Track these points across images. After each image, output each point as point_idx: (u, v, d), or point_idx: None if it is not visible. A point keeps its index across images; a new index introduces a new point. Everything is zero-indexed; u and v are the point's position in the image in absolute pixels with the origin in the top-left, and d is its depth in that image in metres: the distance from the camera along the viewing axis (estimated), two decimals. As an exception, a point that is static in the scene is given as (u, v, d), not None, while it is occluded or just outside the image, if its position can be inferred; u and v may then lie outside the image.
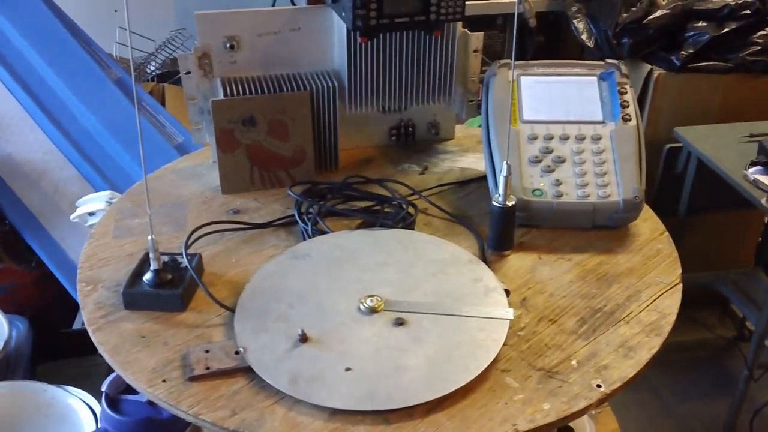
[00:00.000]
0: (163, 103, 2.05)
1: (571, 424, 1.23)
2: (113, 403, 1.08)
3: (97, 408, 1.34)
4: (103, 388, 1.09)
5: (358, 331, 0.86)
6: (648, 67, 1.98)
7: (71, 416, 1.37)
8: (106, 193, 1.31)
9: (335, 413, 0.77)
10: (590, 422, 1.29)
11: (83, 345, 0.88)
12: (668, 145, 1.97)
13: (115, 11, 2.21)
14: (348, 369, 0.82)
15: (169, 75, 2.24)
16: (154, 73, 2.29)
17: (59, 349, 1.78)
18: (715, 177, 1.75)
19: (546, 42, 2.34)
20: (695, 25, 1.96)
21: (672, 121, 1.96)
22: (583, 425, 1.27)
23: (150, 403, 0.83)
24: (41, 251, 1.71)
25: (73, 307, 1.74)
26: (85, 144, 1.77)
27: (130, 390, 0.84)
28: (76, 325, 1.78)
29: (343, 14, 1.11)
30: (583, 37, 2.08)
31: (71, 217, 1.29)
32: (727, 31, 1.93)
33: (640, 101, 2.01)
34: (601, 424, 1.30)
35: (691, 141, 1.85)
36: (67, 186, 1.75)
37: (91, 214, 1.31)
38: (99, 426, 1.11)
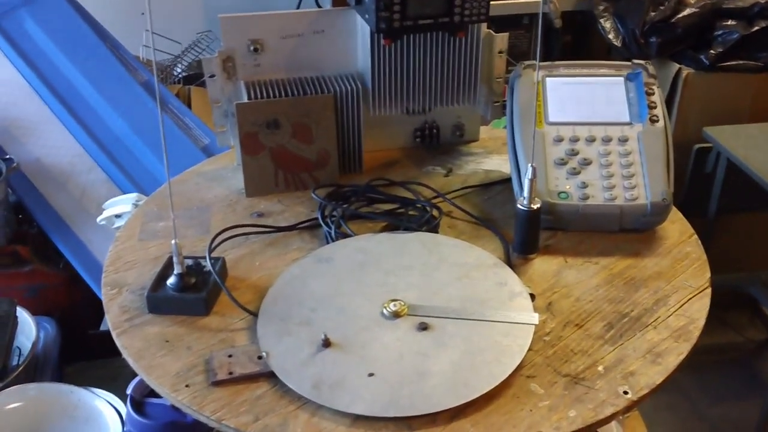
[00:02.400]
0: (189, 106, 2.06)
1: (598, 429, 1.21)
2: (138, 406, 1.09)
3: (123, 410, 1.35)
4: (129, 391, 1.09)
5: (381, 336, 0.86)
6: (676, 66, 1.95)
7: (97, 418, 1.38)
8: (132, 196, 1.32)
9: (358, 419, 0.77)
10: (618, 427, 1.27)
11: (111, 346, 0.89)
12: (697, 146, 1.94)
13: (142, 14, 2.22)
14: (371, 374, 0.81)
15: (196, 77, 2.25)
16: (180, 76, 2.31)
17: (87, 350, 1.80)
18: (744, 177, 1.72)
19: (573, 42, 2.32)
20: (724, 23, 1.93)
21: (701, 121, 1.93)
22: (610, 429, 1.26)
23: (174, 406, 0.83)
24: (68, 253, 1.73)
25: (101, 309, 1.75)
26: (112, 147, 1.79)
27: (156, 393, 0.84)
28: (104, 327, 1.79)
29: (367, 16, 1.11)
30: (611, 36, 2.06)
31: (98, 219, 1.30)
32: (756, 30, 1.90)
33: (669, 101, 1.98)
34: (629, 428, 1.28)
35: (721, 141, 1.82)
36: (94, 188, 1.77)
37: (117, 216, 1.32)
38: (124, 429, 1.12)
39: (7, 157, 1.74)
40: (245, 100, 1.14)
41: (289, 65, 1.19)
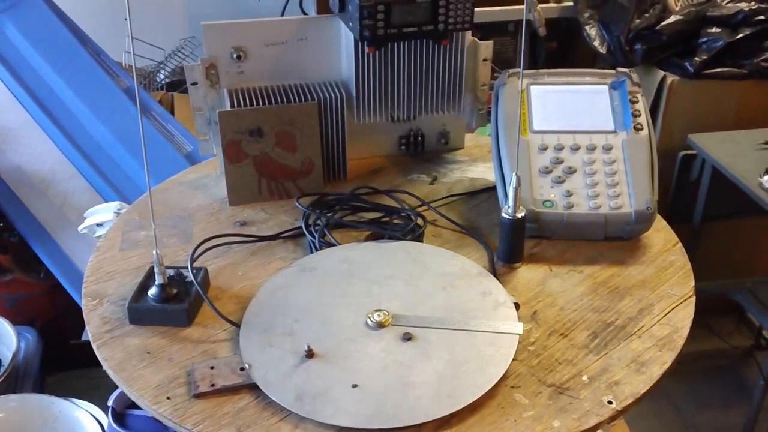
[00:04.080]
0: (172, 112, 2.05)
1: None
2: (120, 417, 1.07)
3: (105, 421, 1.33)
4: (110, 402, 1.08)
5: (365, 347, 0.85)
6: (661, 73, 1.96)
7: (78, 430, 1.37)
8: (114, 204, 1.30)
9: (342, 431, 0.76)
10: (603, 436, 1.26)
11: (92, 356, 0.88)
12: (682, 153, 1.95)
13: (125, 19, 2.21)
14: (355, 386, 0.80)
15: (179, 84, 2.23)
16: (163, 82, 2.29)
17: (69, 360, 1.78)
18: (730, 184, 1.73)
19: (558, 49, 2.32)
20: (709, 31, 1.94)
21: (686, 128, 1.94)
22: (596, 439, 1.25)
23: (156, 418, 0.82)
24: (50, 262, 1.71)
25: (83, 318, 1.74)
26: (94, 154, 1.77)
27: (137, 404, 0.83)
28: (86, 337, 1.77)
29: (351, 24, 1.10)
30: (596, 43, 2.06)
31: (79, 228, 1.28)
32: (741, 37, 1.91)
33: (654, 108, 1.98)
34: (614, 437, 1.28)
35: (706, 148, 1.83)
36: (75, 196, 1.75)
37: (99, 224, 1.30)
38: (106, 440, 1.11)
39: (-12, 164, 1.72)
40: (228, 107, 1.13)
41: (273, 73, 1.19)
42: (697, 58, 1.92)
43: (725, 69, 1.93)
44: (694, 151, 1.89)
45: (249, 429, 0.77)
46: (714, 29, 1.93)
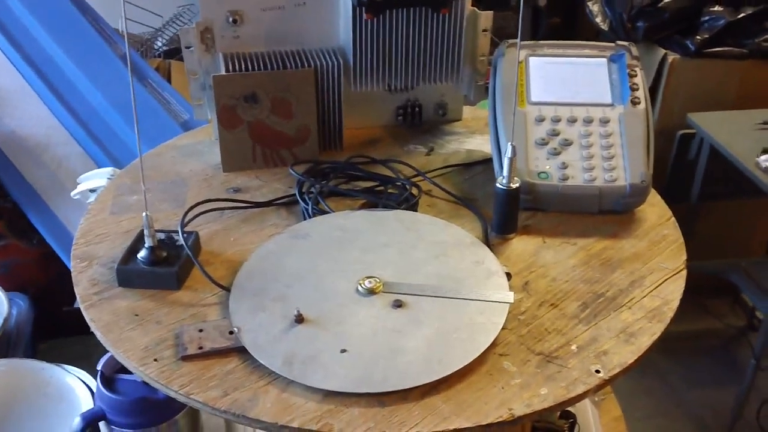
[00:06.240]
0: (169, 80, 2.03)
1: (573, 411, 1.21)
2: (109, 382, 1.07)
3: (95, 385, 1.33)
4: (99, 366, 1.07)
5: (355, 313, 0.85)
6: (662, 51, 1.95)
7: (69, 395, 1.37)
8: (107, 170, 1.30)
9: (329, 395, 0.76)
10: (593, 409, 1.27)
11: (84, 324, 0.87)
12: (681, 132, 1.94)
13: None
14: (344, 351, 0.80)
15: (176, 51, 2.22)
16: (161, 50, 2.27)
17: (61, 327, 1.78)
18: (727, 164, 1.72)
19: (561, 25, 2.31)
20: (711, 9, 1.92)
21: (686, 107, 1.93)
22: (585, 412, 1.25)
23: (145, 382, 0.82)
24: (43, 228, 1.71)
25: (76, 285, 1.74)
26: (89, 120, 1.76)
27: (126, 369, 0.82)
28: (78, 304, 1.78)
29: (348, -10, 1.09)
30: (598, 20, 2.05)
31: (72, 193, 1.28)
32: (743, 16, 1.90)
33: (654, 86, 1.97)
34: (604, 411, 1.28)
35: (704, 127, 1.82)
36: (70, 162, 1.74)
37: (92, 190, 1.30)
38: (94, 404, 1.10)
39: (-18, 129, 1.71)
40: (223, 72, 1.12)
41: (269, 38, 1.17)
42: (698, 37, 1.91)
43: (726, 48, 1.92)
44: (692, 130, 1.89)
45: (236, 391, 0.77)
46: (716, 8, 1.92)
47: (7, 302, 1.62)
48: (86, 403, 1.34)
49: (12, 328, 1.63)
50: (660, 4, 1.92)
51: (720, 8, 1.92)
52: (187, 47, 1.14)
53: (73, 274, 0.94)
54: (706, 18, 1.92)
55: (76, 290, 0.91)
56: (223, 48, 1.16)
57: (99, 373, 1.07)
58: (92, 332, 0.87)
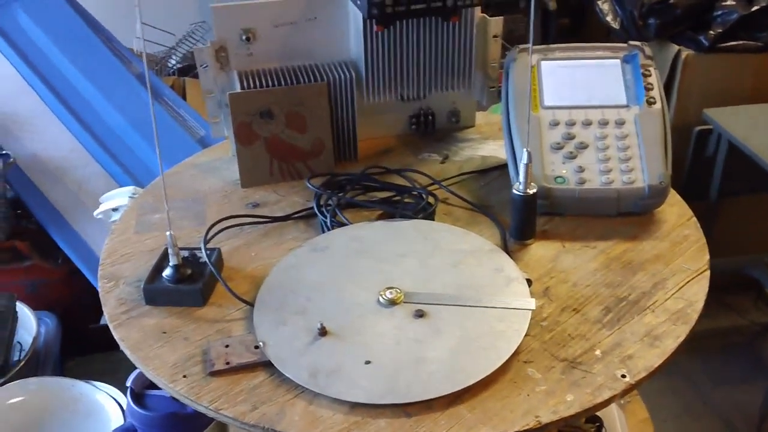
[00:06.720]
0: (184, 97, 2.05)
1: (600, 415, 1.21)
2: (138, 398, 1.08)
3: (125, 402, 1.35)
4: (128, 383, 1.09)
5: (377, 324, 0.86)
6: (676, 48, 1.94)
7: (99, 411, 1.39)
8: (128, 189, 1.32)
9: (355, 406, 0.77)
10: (619, 412, 1.26)
11: (111, 340, 0.89)
12: (698, 128, 1.93)
13: (136, 6, 2.22)
14: (368, 362, 0.81)
15: (190, 68, 2.24)
16: (175, 67, 2.30)
17: (88, 344, 1.80)
18: (746, 160, 1.71)
19: (570, 25, 2.31)
20: (723, 3, 1.91)
21: (701, 103, 1.92)
22: (612, 415, 1.25)
23: (174, 398, 0.83)
24: (67, 248, 1.73)
25: (101, 303, 1.76)
26: (108, 140, 1.79)
27: (155, 385, 0.84)
28: (104, 321, 1.80)
29: (359, 2, 1.10)
30: (608, 18, 2.05)
31: (95, 213, 1.29)
32: (756, 10, 1.88)
33: (669, 83, 1.97)
34: (630, 413, 1.28)
35: (721, 123, 1.81)
36: (91, 182, 1.77)
37: (114, 209, 1.32)
38: (125, 421, 1.12)
39: (4, 152, 1.74)
40: (238, 90, 1.13)
41: (282, 54, 1.19)
42: (711, 32, 1.89)
43: (740, 42, 1.91)
44: (709, 126, 1.88)
45: (264, 405, 0.78)
46: (728, 2, 1.91)
47: (36, 321, 1.64)
48: (116, 419, 1.36)
49: (41, 347, 1.65)
50: (671, 1, 1.92)
51: (732, 2, 1.90)
52: (203, 66, 1.15)
53: (100, 294, 0.95)
54: (719, 12, 1.91)
55: (105, 310, 0.93)
56: (238, 66, 1.17)
57: (129, 389, 1.09)
58: (118, 348, 0.88)
